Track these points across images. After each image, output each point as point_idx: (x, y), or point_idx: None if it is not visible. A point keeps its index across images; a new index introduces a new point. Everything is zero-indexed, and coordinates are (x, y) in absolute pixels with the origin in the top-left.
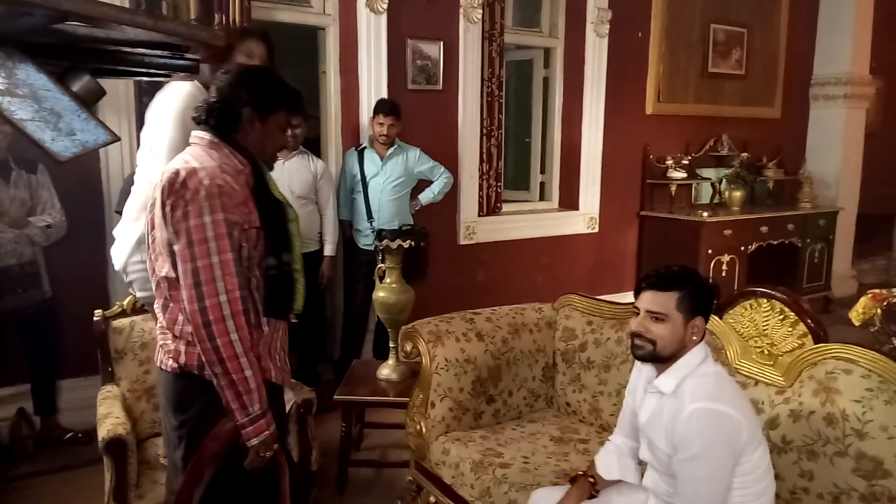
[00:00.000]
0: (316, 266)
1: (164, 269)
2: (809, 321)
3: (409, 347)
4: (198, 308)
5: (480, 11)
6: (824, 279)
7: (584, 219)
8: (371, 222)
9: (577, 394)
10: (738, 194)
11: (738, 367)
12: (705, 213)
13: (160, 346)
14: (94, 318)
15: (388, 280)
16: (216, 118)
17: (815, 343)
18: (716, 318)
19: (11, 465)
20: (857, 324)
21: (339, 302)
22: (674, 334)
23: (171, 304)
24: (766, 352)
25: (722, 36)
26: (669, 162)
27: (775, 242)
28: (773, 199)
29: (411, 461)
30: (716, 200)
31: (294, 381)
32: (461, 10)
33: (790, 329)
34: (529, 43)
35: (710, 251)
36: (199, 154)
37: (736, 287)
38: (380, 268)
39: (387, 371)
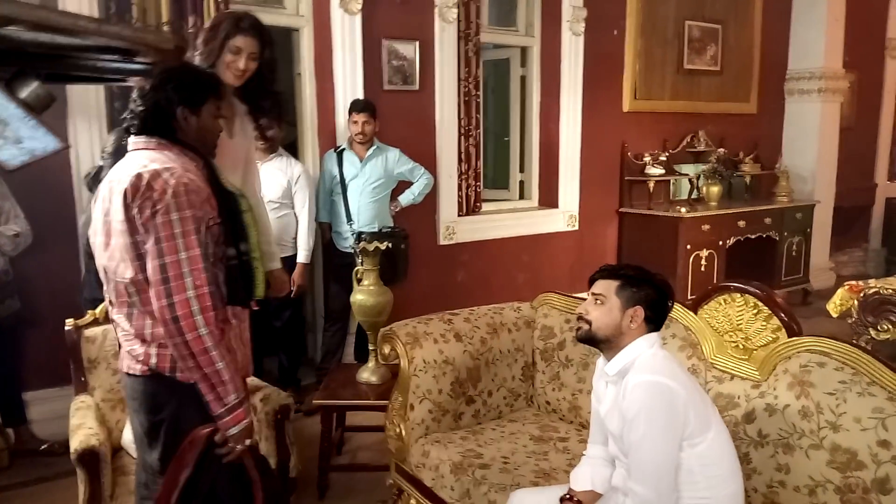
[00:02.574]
0: (290, 271)
1: (128, 272)
2: (783, 315)
3: (387, 350)
4: (166, 304)
5: (455, 11)
6: (802, 272)
7: (563, 216)
8: (351, 224)
9: (556, 392)
10: (715, 189)
11: (713, 361)
12: (683, 209)
13: (126, 351)
14: (66, 328)
15: (365, 282)
16: (152, 124)
17: (789, 337)
18: (691, 313)
19: None
20: (835, 315)
21: (319, 305)
22: (609, 317)
23: (136, 311)
24: (741, 346)
25: (697, 32)
26: (647, 158)
27: (753, 237)
28: (751, 193)
29: (391, 464)
30: (694, 196)
31: (272, 387)
32: (436, 10)
33: (764, 323)
34: (506, 42)
35: (688, 246)
36: (155, 156)
37: (716, 281)
38: (357, 270)
39: (367, 374)
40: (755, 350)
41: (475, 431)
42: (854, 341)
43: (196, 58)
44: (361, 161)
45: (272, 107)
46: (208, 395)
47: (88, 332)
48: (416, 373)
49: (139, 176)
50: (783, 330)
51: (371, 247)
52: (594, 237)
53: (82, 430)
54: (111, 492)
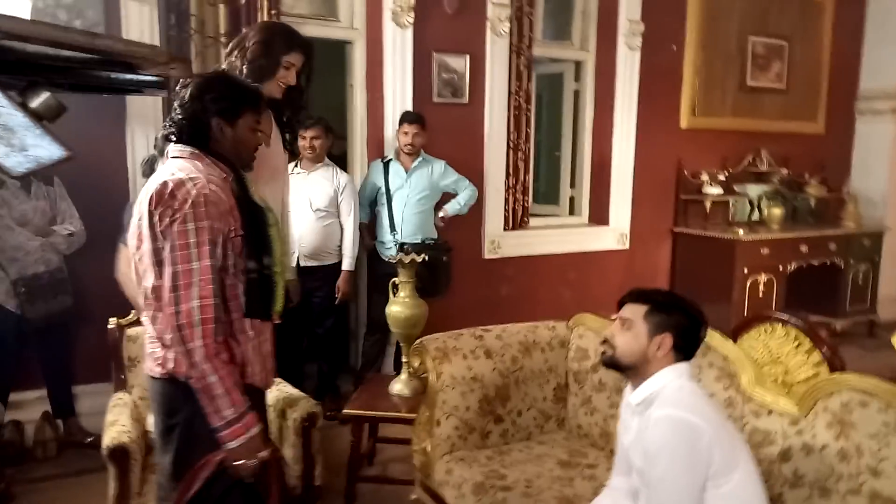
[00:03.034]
0: (334, 279)
1: (151, 279)
2: (825, 349)
3: (416, 363)
4: (173, 311)
5: (508, 25)
6: (869, 302)
7: (614, 234)
8: (394, 235)
9: (588, 416)
10: (777, 212)
11: (751, 395)
12: (741, 231)
13: (149, 353)
14: (109, 326)
15: (401, 294)
16: (188, 134)
17: (831, 372)
18: (730, 342)
19: (34, 467)
20: None
21: (362, 313)
22: (635, 343)
23: (159, 315)
24: (781, 380)
25: (761, 49)
26: (705, 177)
27: (816, 263)
28: (815, 217)
29: (416, 479)
30: (755, 218)
31: (301, 394)
32: (488, 24)
33: (805, 357)
34: (560, 56)
35: (745, 270)
36: (185, 166)
37: (775, 309)
38: (393, 281)
39: (399, 386)
40: (794, 385)
41: (502, 452)
42: None
43: (244, 70)
44: (407, 172)
45: (300, 119)
46: (207, 408)
47: (131, 330)
48: (444, 388)
49: (164, 184)
50: (825, 364)
51: (408, 259)
52: (646, 257)
53: (115, 427)
54: (139, 489)
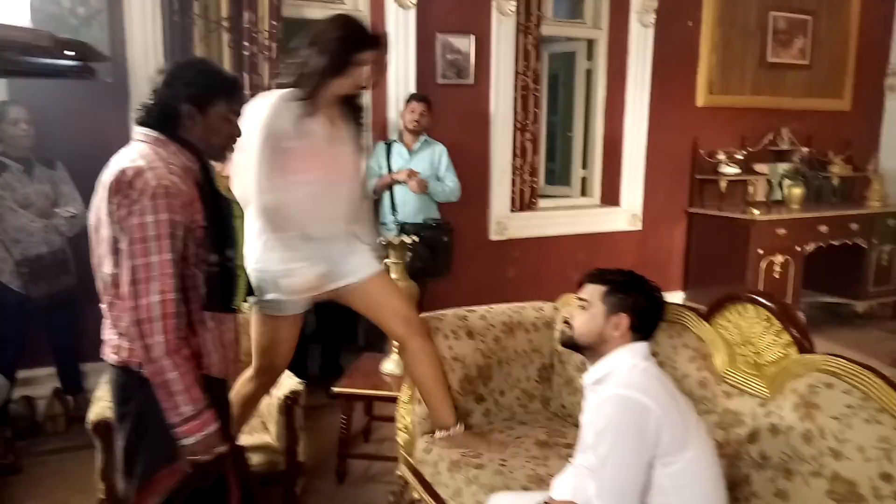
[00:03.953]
0: None
1: (109, 267)
2: (794, 330)
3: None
4: (133, 305)
5: (514, 3)
6: (894, 283)
7: (626, 215)
8: (395, 215)
9: (570, 396)
10: (797, 191)
11: (724, 375)
12: (756, 211)
13: (105, 340)
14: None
15: (392, 275)
16: (156, 118)
17: (800, 353)
18: (704, 323)
19: (43, 441)
20: None
21: None
22: (591, 323)
23: (116, 302)
24: (753, 361)
25: (783, 24)
26: (721, 156)
27: (836, 243)
28: (840, 196)
29: (399, 456)
30: (775, 198)
31: (287, 372)
32: (494, 3)
33: (775, 338)
34: (570, 34)
35: (760, 251)
36: (146, 152)
37: (791, 290)
38: (383, 263)
39: (391, 365)
40: (766, 366)
41: (483, 431)
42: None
43: (319, 66)
44: (410, 153)
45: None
46: (164, 403)
47: None
48: None
49: (123, 171)
50: (794, 346)
51: (396, 240)
52: (659, 238)
53: (101, 403)
54: None
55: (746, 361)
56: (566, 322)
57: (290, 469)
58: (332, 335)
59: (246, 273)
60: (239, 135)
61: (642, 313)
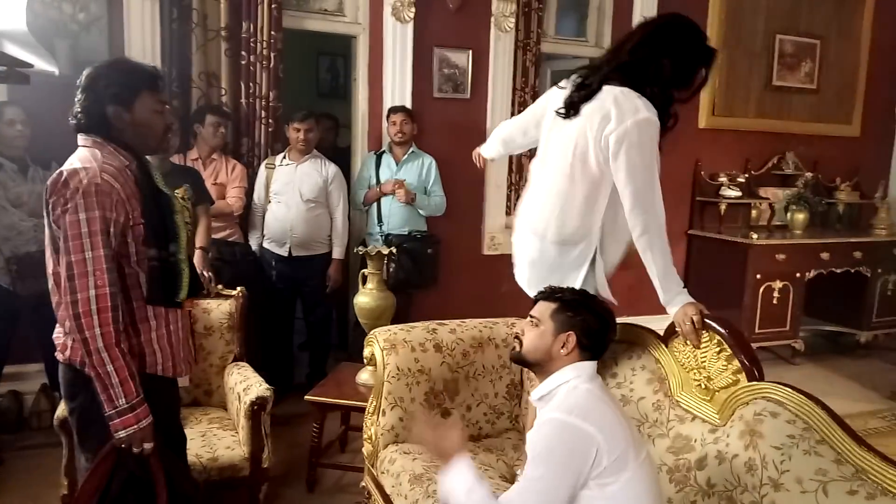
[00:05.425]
0: (325, 268)
1: (51, 265)
2: (743, 357)
3: (368, 353)
4: (70, 301)
5: (513, 20)
6: None
7: None
8: (381, 226)
9: None
10: (800, 217)
11: (678, 399)
12: (755, 235)
13: (54, 337)
14: None
15: (369, 285)
16: (86, 124)
17: (749, 381)
18: (662, 346)
19: (28, 435)
20: None
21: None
22: (539, 340)
23: (61, 301)
24: (704, 386)
25: (790, 47)
26: (723, 179)
27: (838, 270)
28: (845, 224)
29: (365, 467)
30: (777, 222)
31: (255, 378)
32: (492, 19)
33: (725, 363)
34: (570, 52)
35: (758, 276)
36: (84, 155)
37: (790, 316)
38: (362, 273)
39: (366, 375)
40: (717, 391)
41: None
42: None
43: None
44: (398, 164)
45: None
46: (102, 395)
47: None
48: (389, 379)
49: (60, 173)
50: (743, 373)
51: (373, 250)
52: None
53: None
54: None
55: (699, 386)
56: (517, 338)
57: (255, 475)
58: (322, 343)
59: (190, 268)
60: (172, 124)
61: (591, 333)
